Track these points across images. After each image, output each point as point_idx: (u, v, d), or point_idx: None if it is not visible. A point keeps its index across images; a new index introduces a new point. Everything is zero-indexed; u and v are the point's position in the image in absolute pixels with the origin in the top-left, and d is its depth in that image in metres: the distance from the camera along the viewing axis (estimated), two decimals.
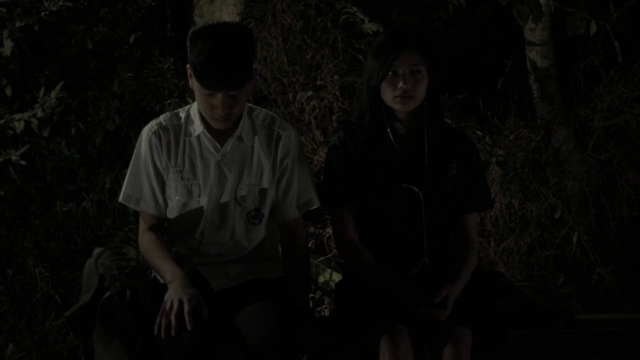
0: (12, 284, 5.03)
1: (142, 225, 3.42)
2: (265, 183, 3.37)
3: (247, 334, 3.13)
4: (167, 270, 3.23)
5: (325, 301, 5.24)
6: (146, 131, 3.38)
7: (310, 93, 6.11)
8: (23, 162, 4.76)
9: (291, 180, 3.39)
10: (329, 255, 5.46)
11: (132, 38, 5.40)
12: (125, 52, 5.40)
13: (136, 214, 3.56)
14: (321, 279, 5.37)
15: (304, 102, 6.09)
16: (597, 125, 6.45)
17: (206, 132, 3.34)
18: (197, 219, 3.36)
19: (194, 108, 3.38)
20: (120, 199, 3.42)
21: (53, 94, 4.87)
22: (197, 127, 3.35)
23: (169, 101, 5.48)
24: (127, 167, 3.48)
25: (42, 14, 4.96)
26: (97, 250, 3.51)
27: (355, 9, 6.39)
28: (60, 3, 4.99)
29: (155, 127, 3.37)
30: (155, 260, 3.28)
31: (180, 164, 3.34)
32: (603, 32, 5.05)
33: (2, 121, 4.87)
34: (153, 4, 5.59)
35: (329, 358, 3.37)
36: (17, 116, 4.86)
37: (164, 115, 3.42)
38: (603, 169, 6.40)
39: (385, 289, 3.32)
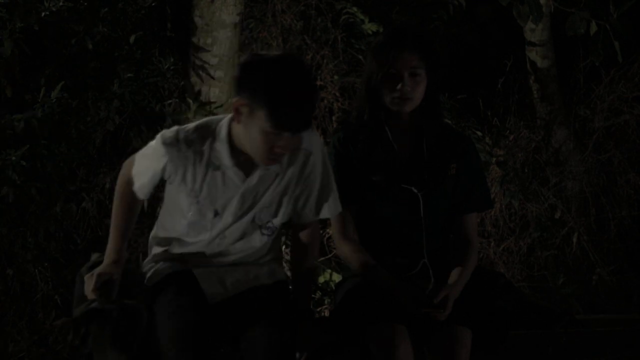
0: (12, 284, 5.03)
1: (129, 178, 3.25)
2: (285, 204, 3.25)
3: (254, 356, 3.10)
4: (110, 248, 3.23)
5: (325, 301, 5.24)
6: (168, 140, 3.15)
7: None
8: (23, 163, 4.76)
9: (311, 191, 3.28)
10: (329, 256, 5.46)
11: (132, 38, 5.40)
12: (125, 52, 5.40)
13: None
14: (321, 279, 5.37)
15: None
16: (597, 126, 6.46)
17: (234, 168, 3.15)
18: (209, 235, 3.25)
19: (221, 141, 3.15)
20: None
21: (53, 95, 4.87)
22: (225, 162, 3.15)
23: (169, 101, 5.48)
24: None
25: (42, 14, 4.97)
26: (94, 256, 3.44)
27: (355, 9, 6.39)
28: (60, 3, 5.00)
29: (176, 144, 3.14)
30: (114, 225, 3.24)
31: (197, 189, 3.17)
32: (603, 32, 5.05)
33: (2, 121, 4.87)
34: (153, 4, 5.59)
35: (329, 358, 3.37)
36: (17, 116, 4.87)
37: (185, 132, 3.16)
38: (603, 169, 6.41)
39: (385, 289, 3.32)
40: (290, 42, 6.26)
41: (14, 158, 4.74)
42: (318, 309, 5.17)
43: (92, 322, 3.18)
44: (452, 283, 3.34)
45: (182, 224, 3.24)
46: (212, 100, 5.53)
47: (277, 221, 3.28)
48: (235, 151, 3.14)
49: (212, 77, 5.62)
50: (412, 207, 3.44)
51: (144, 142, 4.38)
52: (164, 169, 3.18)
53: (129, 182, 3.27)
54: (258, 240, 3.27)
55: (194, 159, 3.15)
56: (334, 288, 4.66)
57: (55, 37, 5.22)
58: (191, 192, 3.17)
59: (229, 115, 3.17)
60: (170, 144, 3.15)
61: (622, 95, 6.45)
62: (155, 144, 3.20)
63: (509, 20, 5.59)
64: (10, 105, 5.02)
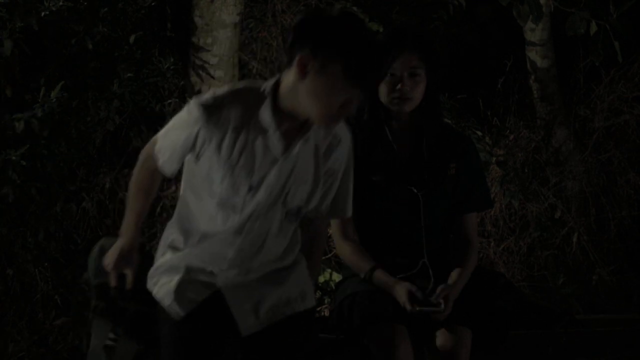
0: (12, 284, 5.04)
1: (148, 156, 3.06)
2: (317, 185, 3.06)
3: None
4: (127, 228, 3.10)
5: (325, 301, 5.24)
6: (205, 102, 2.94)
7: None
8: (23, 162, 4.77)
9: (333, 183, 3.10)
10: (329, 255, 5.46)
11: (132, 38, 5.40)
12: (125, 52, 5.40)
13: None
14: (321, 279, 5.37)
15: None
16: (597, 126, 6.46)
17: (276, 133, 2.95)
18: (238, 218, 3.01)
19: (266, 106, 2.95)
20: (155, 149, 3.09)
21: (53, 94, 4.88)
22: (268, 130, 2.95)
23: (169, 101, 5.49)
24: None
25: (42, 14, 4.97)
26: (100, 242, 3.34)
27: (355, 9, 6.39)
28: (60, 3, 5.00)
29: (215, 105, 2.93)
30: (131, 205, 3.09)
31: (234, 159, 2.96)
32: (603, 32, 5.06)
33: (2, 121, 4.88)
34: (153, 4, 5.60)
35: (329, 358, 3.37)
36: (17, 116, 4.87)
37: (224, 95, 2.96)
38: (603, 169, 6.41)
39: (384, 289, 3.32)
40: None
41: (14, 158, 4.75)
42: (318, 309, 5.17)
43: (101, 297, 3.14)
44: (452, 283, 3.34)
45: (211, 203, 3.00)
46: None
47: (305, 207, 3.06)
48: (279, 117, 2.96)
49: (212, 77, 5.63)
50: (412, 207, 3.44)
51: (144, 142, 4.33)
52: (197, 135, 2.95)
53: (148, 161, 3.06)
54: (278, 223, 3.04)
55: (234, 123, 2.95)
56: (334, 288, 4.66)
57: (55, 37, 5.23)
58: (226, 163, 2.96)
59: (273, 80, 2.99)
60: (210, 106, 2.94)
61: (622, 95, 6.45)
62: (186, 112, 2.98)
63: (509, 20, 5.60)
64: (10, 105, 5.03)
